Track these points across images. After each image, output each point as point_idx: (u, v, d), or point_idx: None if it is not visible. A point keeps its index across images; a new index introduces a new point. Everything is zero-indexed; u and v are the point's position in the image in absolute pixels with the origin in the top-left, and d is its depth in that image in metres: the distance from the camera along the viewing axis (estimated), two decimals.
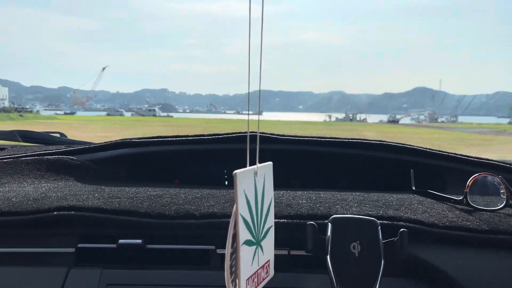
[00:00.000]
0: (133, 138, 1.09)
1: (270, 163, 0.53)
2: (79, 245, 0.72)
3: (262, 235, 0.50)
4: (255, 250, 0.48)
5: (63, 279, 0.67)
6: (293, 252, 0.71)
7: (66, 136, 1.43)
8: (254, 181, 0.48)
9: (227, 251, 0.44)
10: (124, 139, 1.08)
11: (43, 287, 0.67)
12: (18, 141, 1.36)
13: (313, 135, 1.12)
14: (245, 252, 0.45)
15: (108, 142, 1.09)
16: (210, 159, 1.07)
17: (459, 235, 0.71)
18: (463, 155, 1.06)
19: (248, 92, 0.50)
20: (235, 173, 0.44)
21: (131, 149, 1.07)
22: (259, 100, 0.51)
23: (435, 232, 0.71)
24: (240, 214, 0.44)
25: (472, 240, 0.71)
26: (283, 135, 1.09)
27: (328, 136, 1.11)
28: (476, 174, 0.83)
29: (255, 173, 0.48)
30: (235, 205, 0.44)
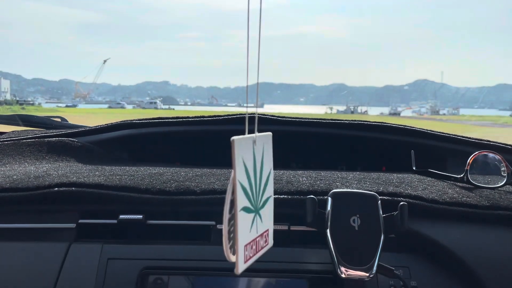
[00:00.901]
0: (134, 120, 1.09)
1: (270, 133, 0.52)
2: (80, 221, 0.72)
3: (261, 204, 0.50)
4: (254, 217, 0.48)
5: (64, 254, 0.67)
6: (293, 227, 0.71)
7: (67, 121, 1.43)
8: (253, 150, 0.48)
9: (225, 217, 0.44)
10: (124, 121, 1.09)
11: (44, 262, 0.67)
12: (19, 125, 1.36)
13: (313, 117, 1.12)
14: (243, 219, 0.45)
15: (109, 123, 1.09)
16: (211, 139, 1.07)
17: (460, 211, 0.71)
18: (463, 137, 1.06)
19: (247, 72, 0.50)
20: (233, 139, 0.44)
21: (131, 130, 1.07)
22: (257, 85, 0.51)
23: (436, 208, 0.71)
24: (238, 181, 0.44)
25: (473, 216, 0.71)
26: (283, 116, 1.09)
27: (329, 118, 1.11)
28: (477, 152, 0.83)
29: (254, 142, 0.48)
30: (232, 172, 0.44)
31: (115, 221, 0.71)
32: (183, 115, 1.10)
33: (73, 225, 0.71)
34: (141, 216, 0.71)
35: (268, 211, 0.52)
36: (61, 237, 0.71)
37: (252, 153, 0.48)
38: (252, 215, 0.48)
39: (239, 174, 0.45)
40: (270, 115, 1.08)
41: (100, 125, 1.09)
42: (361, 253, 0.62)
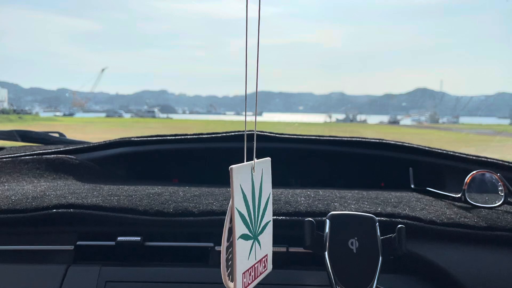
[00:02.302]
0: (132, 137, 1.09)
1: (268, 158, 0.53)
2: (78, 243, 0.72)
3: (260, 230, 0.50)
4: (252, 244, 0.48)
5: (62, 276, 0.67)
6: (291, 249, 0.71)
7: (65, 136, 1.43)
8: (251, 176, 0.48)
9: (223, 244, 0.44)
10: (123, 138, 1.09)
11: (42, 284, 0.66)
12: (17, 140, 1.36)
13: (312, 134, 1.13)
14: (241, 246, 0.45)
15: (107, 141, 1.09)
16: (209, 157, 1.08)
17: (458, 231, 0.71)
18: (461, 153, 1.06)
19: (245, 91, 0.50)
20: (231, 168, 0.44)
21: (130, 148, 1.08)
22: (256, 99, 0.51)
23: (434, 229, 0.71)
24: (236, 209, 0.45)
25: (471, 237, 0.71)
26: (281, 134, 1.09)
27: (327, 135, 1.11)
28: (474, 172, 0.83)
29: (252, 168, 0.48)
30: (231, 200, 0.44)
31: (113, 243, 0.71)
32: (182, 133, 1.10)
33: (71, 247, 0.71)
34: (139, 238, 0.71)
35: (267, 236, 0.53)
36: (59, 259, 0.70)
37: (251, 180, 0.48)
38: (250, 242, 0.48)
39: (237, 202, 0.45)
40: (268, 132, 1.09)
41: (99, 142, 1.10)
42: (359, 276, 0.61)
